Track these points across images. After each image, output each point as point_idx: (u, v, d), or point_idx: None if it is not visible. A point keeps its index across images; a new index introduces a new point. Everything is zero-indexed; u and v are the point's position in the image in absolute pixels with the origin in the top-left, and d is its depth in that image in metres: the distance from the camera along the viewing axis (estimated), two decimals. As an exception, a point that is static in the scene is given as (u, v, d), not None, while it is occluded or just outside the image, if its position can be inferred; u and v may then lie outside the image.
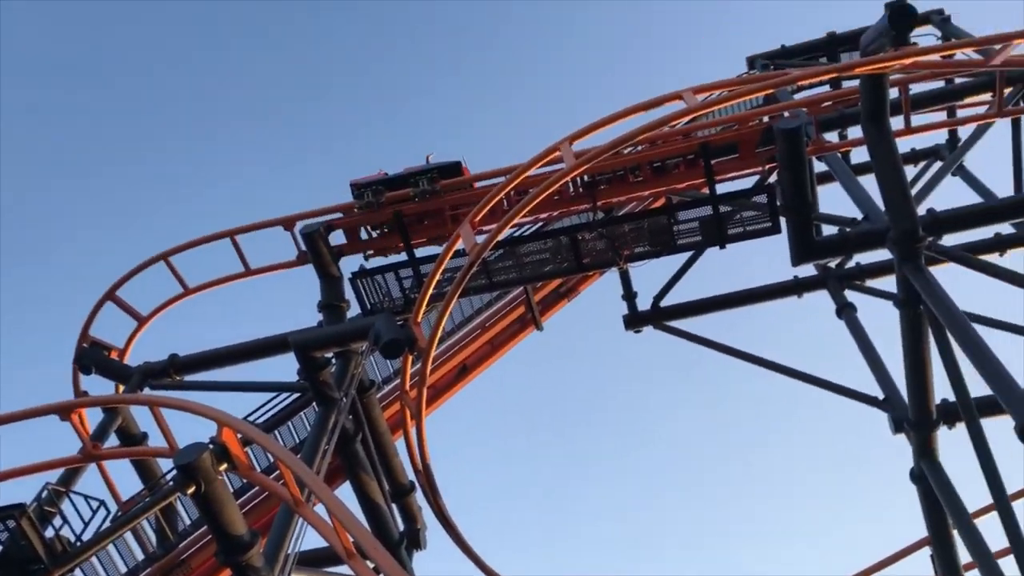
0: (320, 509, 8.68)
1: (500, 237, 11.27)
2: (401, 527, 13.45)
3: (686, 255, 14.23)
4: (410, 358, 12.09)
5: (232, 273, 14.28)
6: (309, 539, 9.86)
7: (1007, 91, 12.49)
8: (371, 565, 7.99)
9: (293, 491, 8.49)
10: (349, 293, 13.41)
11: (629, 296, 15.04)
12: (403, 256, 13.18)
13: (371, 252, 13.46)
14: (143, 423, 13.75)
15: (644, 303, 15.05)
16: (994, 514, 10.14)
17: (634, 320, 15.09)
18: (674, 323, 15.11)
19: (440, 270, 11.27)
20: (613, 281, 15.27)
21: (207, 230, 13.86)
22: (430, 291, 11.31)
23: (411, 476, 13.34)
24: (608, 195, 12.62)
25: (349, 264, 13.53)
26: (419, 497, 13.48)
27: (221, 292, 14.94)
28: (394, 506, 13.45)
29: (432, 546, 13.79)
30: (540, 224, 13.76)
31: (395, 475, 13.43)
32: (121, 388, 13.63)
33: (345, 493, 12.82)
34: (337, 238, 13.45)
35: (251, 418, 12.66)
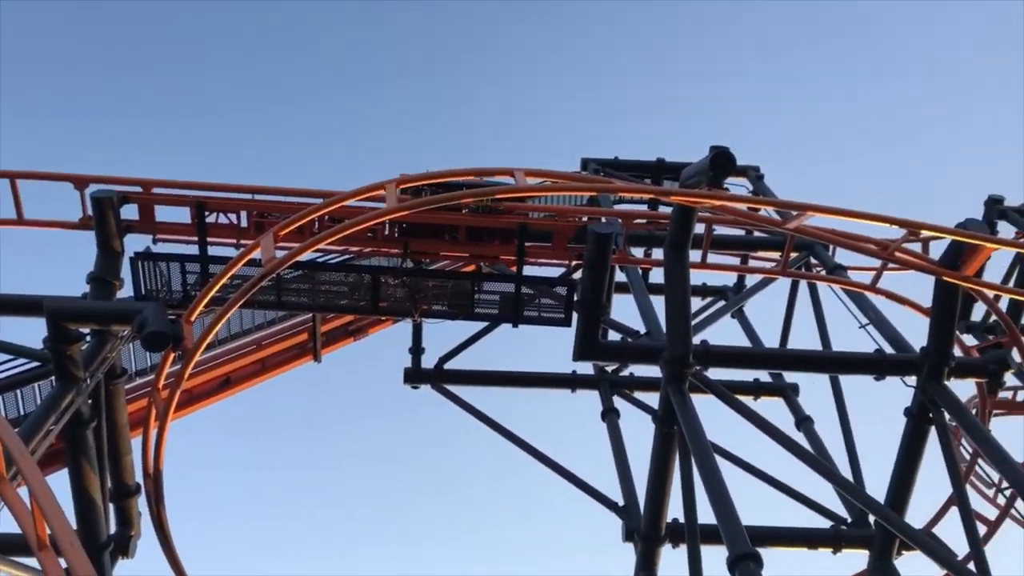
0: (24, 492, 7.90)
1: (302, 257, 10.99)
2: (113, 530, 12.47)
3: (480, 325, 14.45)
4: (172, 356, 11.41)
5: (1, 218, 13.05)
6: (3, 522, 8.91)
7: (793, 255, 13.80)
8: (64, 564, 7.32)
9: (-3, 464, 7.68)
10: (127, 272, 12.58)
11: (416, 351, 15.00)
12: (194, 248, 12.55)
13: (161, 237, 12.73)
14: None
15: (431, 360, 15.08)
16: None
17: (415, 376, 15.05)
18: (454, 388, 15.20)
19: (229, 274, 10.78)
20: (402, 332, 15.25)
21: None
22: (212, 292, 10.77)
23: (139, 479, 12.47)
24: (421, 247, 12.67)
25: (133, 242, 12.72)
26: (141, 503, 12.59)
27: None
28: (112, 507, 12.48)
29: (142, 558, 12.87)
30: (346, 257, 13.57)
31: (122, 473, 12.48)
32: None
33: (60, 482, 11.77)
34: (130, 212, 12.64)
35: (-27, 376, 11.46)
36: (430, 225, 12.59)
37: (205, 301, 10.72)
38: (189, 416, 14.04)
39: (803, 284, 15.27)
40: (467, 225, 12.52)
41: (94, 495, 11.72)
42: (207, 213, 12.47)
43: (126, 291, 12.59)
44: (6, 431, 7.69)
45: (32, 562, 10.78)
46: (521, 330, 13.44)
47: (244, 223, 12.63)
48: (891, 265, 11.47)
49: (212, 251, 12.61)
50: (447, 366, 15.06)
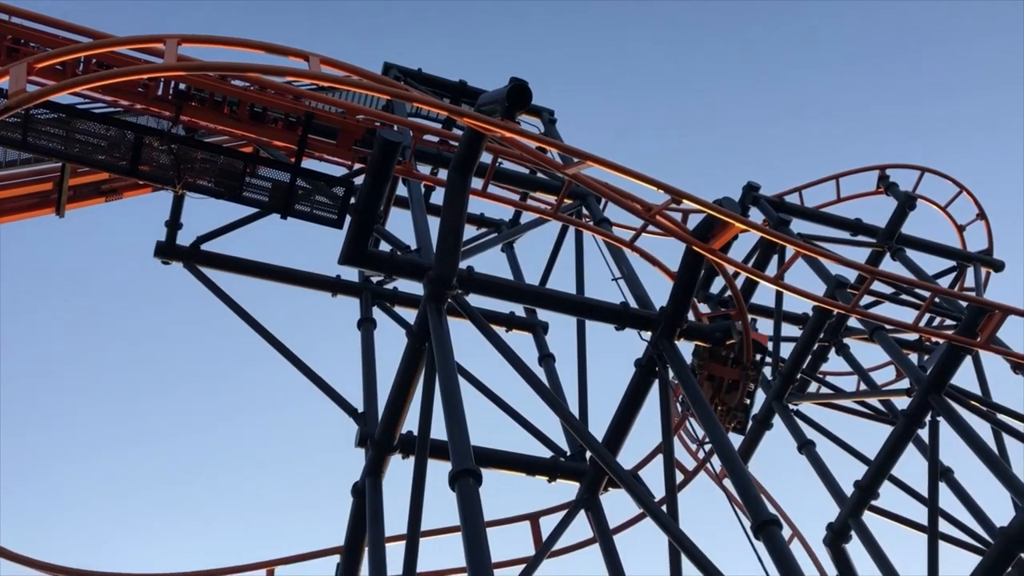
0: None
1: (58, 98, 9.99)
2: None
3: (248, 210, 13.87)
4: None
5: None
6: None
7: (567, 201, 14.35)
8: None
9: None
10: None
11: (173, 224, 14.14)
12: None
13: None
14: None
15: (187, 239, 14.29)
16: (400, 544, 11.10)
17: (168, 251, 14.19)
18: (209, 271, 14.52)
19: (-34, 98, 9.60)
20: (163, 204, 14.32)
21: None
22: (-58, 115, 9.54)
23: None
24: (196, 114, 11.85)
25: None
26: None
27: None
28: None
29: None
30: (112, 110, 12.46)
31: None
32: None
33: None
34: None
35: None
36: (209, 95, 11.82)
37: (-68, 122, 9.50)
38: None
39: (571, 231, 15.96)
40: (251, 102, 11.88)
41: None
42: (-50, 26, 10.95)
43: None
44: None
45: None
46: (290, 225, 13.09)
47: (-6, 47, 11.22)
48: (651, 228, 12.21)
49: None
50: (204, 247, 14.36)
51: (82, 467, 33.17)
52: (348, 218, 12.37)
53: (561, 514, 13.47)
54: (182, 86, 11.63)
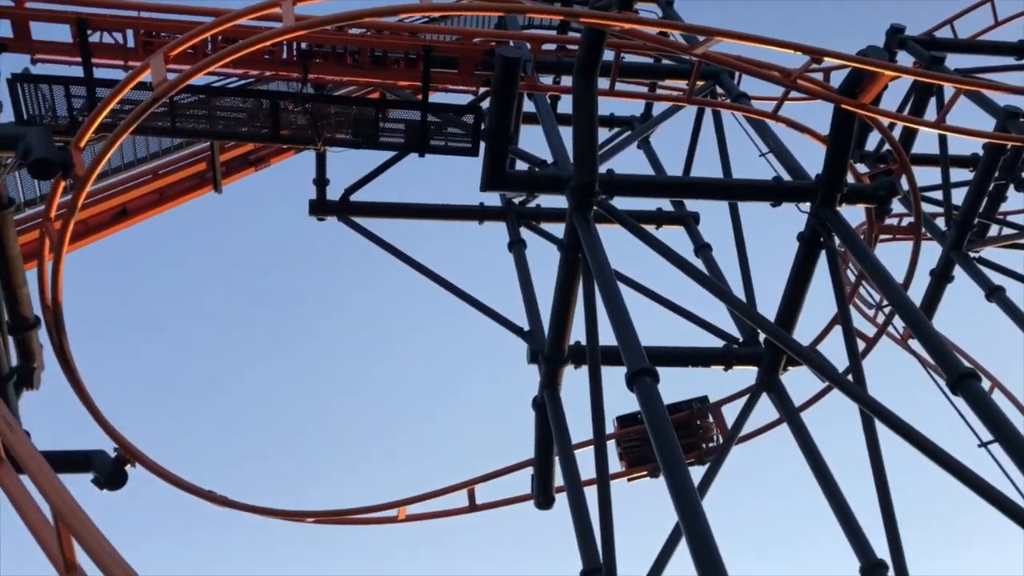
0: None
1: (194, 80, 10.46)
2: (15, 362, 12.27)
3: (386, 155, 14.21)
4: (62, 185, 10.92)
5: None
6: None
7: (700, 83, 13.84)
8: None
9: None
10: (5, 97, 11.77)
11: (320, 181, 14.70)
12: (80, 72, 11.76)
13: (41, 57, 11.86)
14: None
15: (335, 193, 14.84)
16: (590, 449, 11.42)
17: (320, 207, 14.81)
18: (361, 220, 15.06)
19: (118, 98, 10.20)
20: (307, 163, 14.88)
21: None
22: (101, 118, 10.22)
23: (38, 312, 12.18)
24: (322, 71, 12.17)
25: (11, 63, 11.85)
26: (43, 336, 12.36)
27: None
28: (11, 339, 12.22)
29: (47, 390, 12.77)
30: (245, 82, 12.97)
31: (19, 305, 12.12)
32: None
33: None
34: (3, 30, 11.69)
35: None
36: (330, 48, 12.07)
37: (94, 126, 10.19)
38: (85, 248, 13.61)
39: (708, 113, 15.41)
40: (371, 47, 12.04)
41: (-9, 328, 11.45)
42: (90, 32, 11.62)
43: (6, 116, 11.84)
44: None
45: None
46: (429, 161, 13.29)
47: (131, 43, 11.84)
48: (793, 93, 11.64)
49: (99, 74, 11.86)
50: (353, 197, 14.87)
51: (288, 412, 35.66)
52: (482, 144, 12.43)
53: (742, 401, 13.41)
54: (304, 45, 11.93)
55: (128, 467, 11.80)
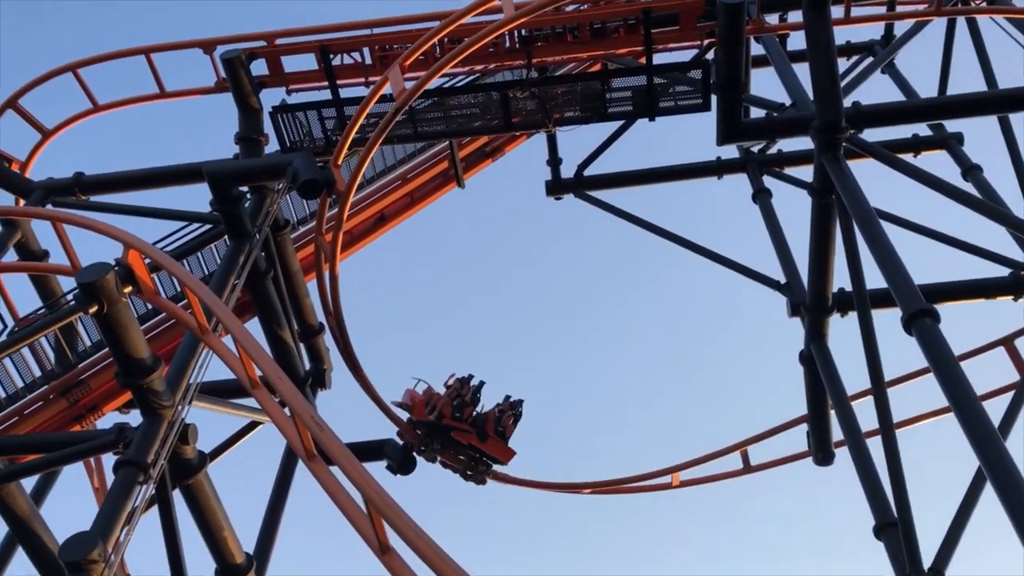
0: (227, 341, 8.67)
1: (429, 85, 11.00)
2: (307, 366, 13.60)
3: (614, 126, 14.20)
4: (328, 201, 11.92)
5: (146, 94, 13.67)
6: (212, 370, 9.88)
7: (947, -8, 12.58)
8: (276, 400, 8.08)
9: (200, 319, 8.45)
10: (268, 128, 13.01)
11: (554, 162, 14.99)
12: (327, 94, 12.75)
13: (294, 87, 12.99)
14: (45, 242, 13.35)
15: (568, 172, 15.05)
16: (869, 399, 10.82)
17: (556, 187, 15.10)
18: (596, 193, 15.18)
19: (364, 113, 10.98)
20: (538, 147, 15.20)
21: (122, 46, 13.19)
22: (352, 134, 11.05)
23: (321, 319, 13.41)
24: (544, 53, 12.34)
25: (270, 97, 13.07)
26: (327, 340, 13.59)
27: (132, 114, 14.35)
28: (302, 346, 13.56)
29: (337, 389, 14.04)
30: (472, 77, 13.44)
31: (305, 315, 13.46)
32: (22, 202, 13.09)
33: (252, 330, 12.82)
34: (259, 68, 12.91)
35: (159, 246, 12.39)
36: (550, 29, 12.20)
37: (348, 143, 11.04)
38: (353, 256, 14.75)
39: (961, 24, 13.96)
40: (590, 20, 12.04)
41: (285, 337, 12.77)
42: (332, 56, 12.56)
43: (272, 146, 13.10)
44: (200, 288, 8.40)
45: (247, 402, 12.07)
46: (659, 125, 13.08)
47: (368, 60, 12.67)
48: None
49: (344, 93, 12.79)
50: (587, 173, 15.00)
51: (548, 388, 36.76)
52: (713, 98, 12.07)
53: (1040, 332, 12.13)
54: (524, 32, 12.16)
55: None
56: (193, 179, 12.58)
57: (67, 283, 12.90)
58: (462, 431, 12.54)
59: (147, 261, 8.59)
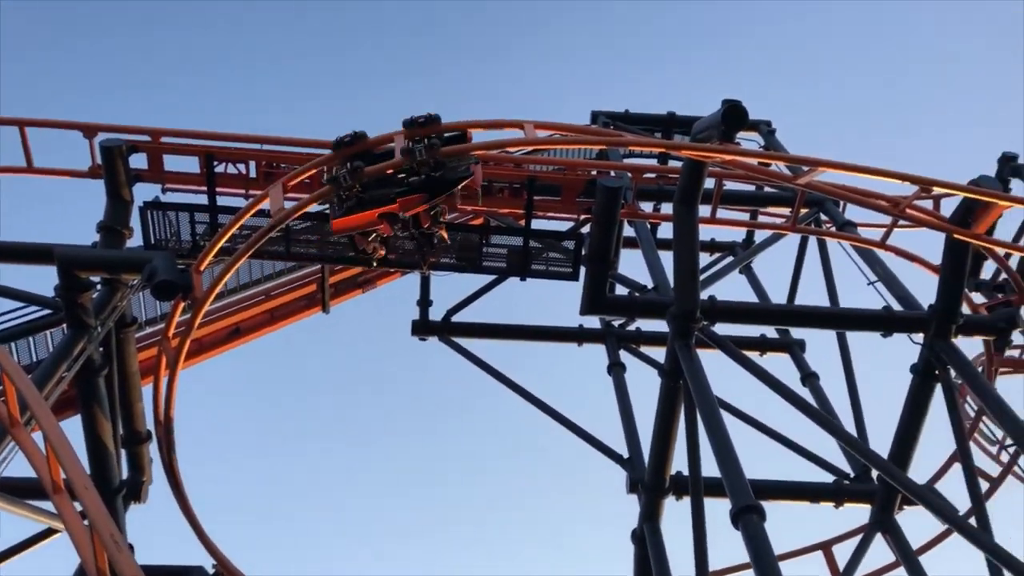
0: (37, 437, 8.01)
1: (310, 208, 10.99)
2: (125, 475, 12.68)
3: (488, 278, 14.48)
4: (181, 305, 11.48)
5: (12, 165, 13.08)
6: (15, 466, 9.05)
7: (803, 211, 13.73)
8: (79, 508, 7.42)
9: (11, 409, 7.79)
10: (136, 222, 12.61)
11: (424, 303, 15.07)
12: (203, 198, 12.54)
13: (171, 186, 12.72)
14: None
15: (438, 312, 15.16)
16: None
17: (423, 328, 15.13)
18: (461, 340, 15.27)
19: (237, 225, 10.80)
20: (410, 284, 15.31)
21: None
22: (221, 243, 10.80)
23: (151, 427, 12.64)
24: (430, 199, 12.59)
25: (142, 191, 12.74)
26: (153, 450, 12.77)
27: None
28: (123, 452, 12.67)
29: (154, 504, 13.08)
30: (355, 209, 13.52)
31: (133, 420, 12.64)
32: None
33: (72, 428, 11.92)
34: (139, 162, 12.63)
35: (-14, 323, 11.55)
36: (439, 177, 12.51)
37: (214, 251, 10.76)
38: (199, 365, 14.16)
39: (812, 241, 15.22)
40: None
41: (106, 441, 11.89)
42: (216, 163, 12.45)
43: (135, 240, 12.64)
44: (20, 377, 7.80)
45: (46, 505, 11.04)
46: (528, 284, 13.48)
47: (253, 173, 12.62)
48: (902, 222, 11.41)
49: (221, 201, 12.62)
50: (455, 319, 15.13)
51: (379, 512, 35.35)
52: (582, 269, 12.55)
53: (855, 540, 12.66)
54: (412, 176, 12.41)
55: None
56: (42, 260, 11.88)
57: None
58: None
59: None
